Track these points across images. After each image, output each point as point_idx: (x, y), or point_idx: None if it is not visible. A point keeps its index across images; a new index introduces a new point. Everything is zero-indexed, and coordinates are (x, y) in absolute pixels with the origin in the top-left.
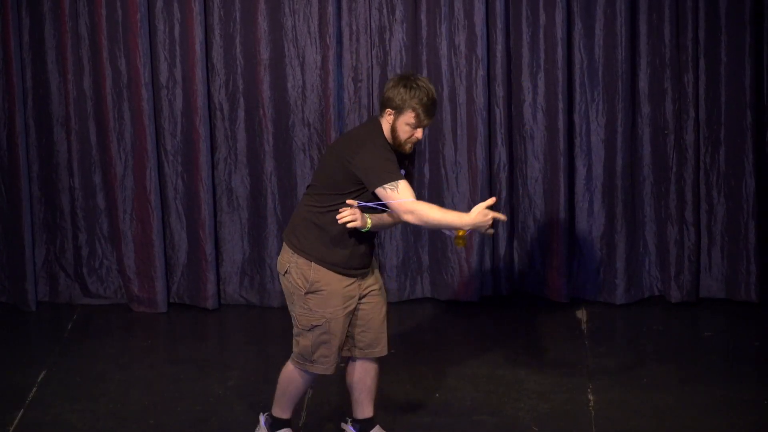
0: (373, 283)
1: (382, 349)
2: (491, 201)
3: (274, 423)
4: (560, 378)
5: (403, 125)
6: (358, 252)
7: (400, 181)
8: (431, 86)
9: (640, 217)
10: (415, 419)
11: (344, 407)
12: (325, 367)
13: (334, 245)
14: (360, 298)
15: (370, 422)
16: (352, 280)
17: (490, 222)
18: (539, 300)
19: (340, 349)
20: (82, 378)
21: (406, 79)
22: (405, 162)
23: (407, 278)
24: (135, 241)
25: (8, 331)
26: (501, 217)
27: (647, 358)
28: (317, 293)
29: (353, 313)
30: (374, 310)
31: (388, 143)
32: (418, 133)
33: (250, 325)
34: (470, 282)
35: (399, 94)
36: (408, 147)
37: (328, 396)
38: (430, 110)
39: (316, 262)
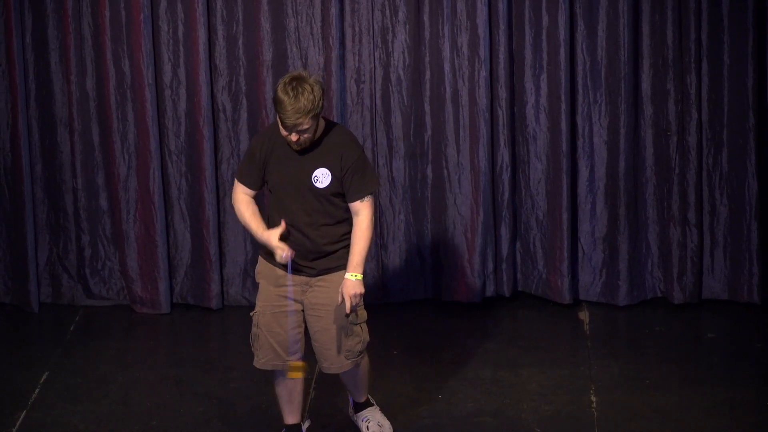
0: (323, 301)
1: (329, 366)
2: (281, 228)
3: (285, 430)
4: (563, 379)
5: (280, 124)
6: (289, 243)
7: (236, 179)
8: (304, 97)
9: (642, 218)
10: (416, 421)
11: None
12: (256, 359)
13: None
14: (308, 307)
15: (363, 405)
16: (289, 280)
17: (279, 251)
18: (541, 301)
19: (276, 349)
20: (85, 379)
21: (287, 80)
22: (316, 157)
23: (409, 279)
24: (138, 242)
25: (11, 333)
26: (285, 252)
27: (650, 359)
28: (258, 285)
29: (300, 318)
30: (316, 326)
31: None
32: (292, 137)
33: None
34: (472, 283)
35: (275, 93)
36: (293, 144)
37: (332, 398)
38: (286, 120)
39: (261, 255)
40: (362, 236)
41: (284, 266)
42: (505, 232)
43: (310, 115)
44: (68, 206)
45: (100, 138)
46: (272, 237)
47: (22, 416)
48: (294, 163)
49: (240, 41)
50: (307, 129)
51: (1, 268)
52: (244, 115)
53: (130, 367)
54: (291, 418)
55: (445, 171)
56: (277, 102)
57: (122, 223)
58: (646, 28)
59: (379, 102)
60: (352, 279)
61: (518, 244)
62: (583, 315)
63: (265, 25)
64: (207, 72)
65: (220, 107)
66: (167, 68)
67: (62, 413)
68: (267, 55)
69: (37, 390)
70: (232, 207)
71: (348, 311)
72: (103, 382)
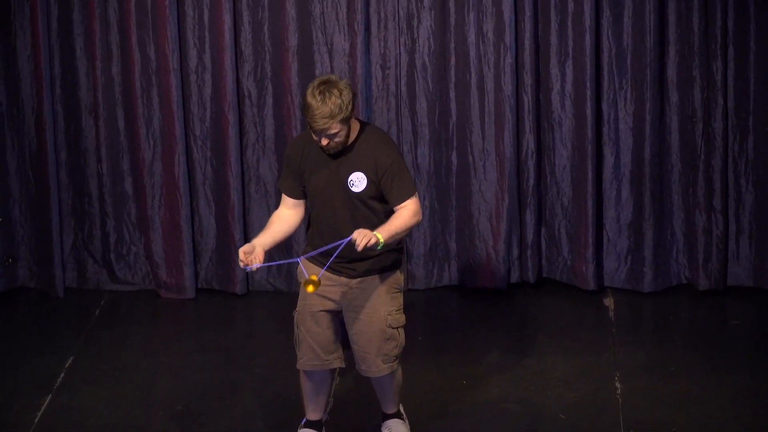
0: (362, 303)
1: (367, 368)
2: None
3: (305, 422)
4: (587, 366)
5: (312, 131)
6: (325, 242)
7: (280, 189)
8: (331, 101)
9: (668, 205)
10: (441, 407)
11: (365, 401)
12: (298, 360)
13: (309, 236)
14: (347, 309)
15: (391, 416)
16: (331, 279)
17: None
18: (566, 288)
19: (315, 349)
20: (110, 364)
21: (316, 84)
22: (348, 164)
23: (435, 266)
24: (163, 227)
25: (36, 317)
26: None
27: (674, 346)
28: (300, 285)
29: (338, 318)
30: (354, 328)
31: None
32: (322, 141)
33: (277, 312)
34: (497, 269)
35: (303, 97)
36: (325, 148)
37: (353, 390)
38: (313, 125)
39: (304, 255)
40: (403, 217)
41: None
42: (530, 218)
43: (338, 119)
44: (93, 191)
45: (125, 123)
46: (252, 245)
47: (47, 401)
48: (329, 167)
49: (265, 27)
50: (337, 133)
51: (27, 253)
52: (269, 101)
53: (155, 353)
54: (313, 414)
55: (470, 157)
56: (304, 106)
57: (147, 208)
58: (672, 15)
59: (404, 88)
60: (373, 232)
61: (543, 231)
62: (608, 301)
63: (291, 10)
64: (232, 57)
65: (246, 93)
66: (193, 53)
67: (87, 398)
68: (292, 40)
69: (62, 375)
70: (257, 192)
71: (356, 239)
72: (128, 367)
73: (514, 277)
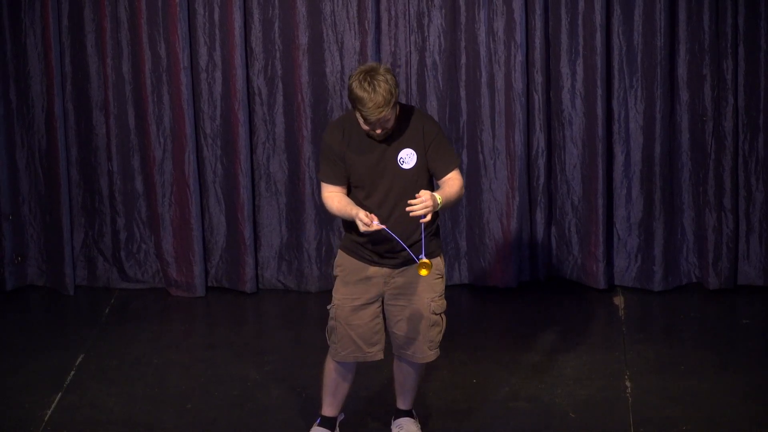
0: (404, 291)
1: (413, 354)
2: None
3: (320, 420)
4: (597, 364)
5: (360, 120)
6: (374, 238)
7: (321, 181)
8: (382, 88)
9: (678, 203)
10: (451, 405)
11: (378, 402)
12: (334, 352)
13: (351, 229)
14: (389, 298)
15: (402, 413)
16: (372, 271)
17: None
18: (577, 286)
19: (357, 342)
20: (120, 362)
21: (361, 76)
22: (404, 142)
23: (445, 264)
24: (173, 225)
25: (46, 315)
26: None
27: (685, 345)
28: (336, 278)
29: (378, 309)
30: (402, 314)
31: (356, 127)
32: (377, 131)
33: (287, 310)
34: (508, 268)
35: (351, 91)
36: (376, 136)
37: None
38: (369, 117)
39: (341, 248)
40: (455, 186)
41: (371, 257)
42: (540, 217)
43: (390, 105)
44: (104, 189)
45: (135, 121)
46: (359, 211)
47: (57, 398)
48: (376, 151)
49: (276, 25)
50: (390, 120)
51: (37, 251)
52: (279, 99)
53: (165, 350)
54: (330, 410)
55: (481, 156)
56: (356, 99)
57: (157, 206)
58: (682, 13)
59: (414, 87)
60: (437, 196)
61: (553, 229)
62: (618, 300)
63: (301, 8)
64: (243, 55)
65: (256, 91)
66: (203, 51)
67: (97, 395)
68: (303, 38)
69: (72, 372)
70: (267, 190)
71: (415, 205)
72: (138, 364)
73: (525, 276)
